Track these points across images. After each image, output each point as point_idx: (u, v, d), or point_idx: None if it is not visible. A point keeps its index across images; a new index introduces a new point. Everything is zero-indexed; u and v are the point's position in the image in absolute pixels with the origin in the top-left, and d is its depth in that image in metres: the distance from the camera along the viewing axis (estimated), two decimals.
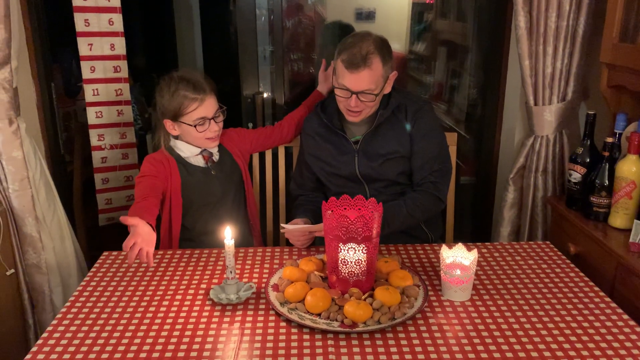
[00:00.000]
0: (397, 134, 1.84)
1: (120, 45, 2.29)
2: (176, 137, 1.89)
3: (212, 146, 1.90)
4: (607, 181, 1.82)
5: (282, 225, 1.76)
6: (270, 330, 1.32)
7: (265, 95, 2.69)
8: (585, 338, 1.28)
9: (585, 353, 1.23)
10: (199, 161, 1.90)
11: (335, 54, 1.76)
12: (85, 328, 1.33)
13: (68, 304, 1.44)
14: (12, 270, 1.99)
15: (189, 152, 1.89)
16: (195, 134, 1.82)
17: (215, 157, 1.93)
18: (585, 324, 1.34)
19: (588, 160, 1.93)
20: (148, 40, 4.78)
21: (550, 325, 1.33)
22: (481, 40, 2.70)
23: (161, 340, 1.29)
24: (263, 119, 2.66)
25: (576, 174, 1.95)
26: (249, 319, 1.37)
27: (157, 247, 1.80)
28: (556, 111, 2.16)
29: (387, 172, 1.85)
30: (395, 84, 1.86)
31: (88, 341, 1.28)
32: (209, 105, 1.81)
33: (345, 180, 1.89)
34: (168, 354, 1.24)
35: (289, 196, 2.13)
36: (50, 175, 2.15)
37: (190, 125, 1.80)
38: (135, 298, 1.47)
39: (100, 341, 1.28)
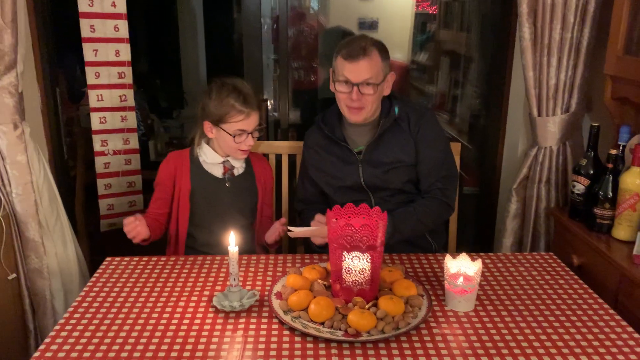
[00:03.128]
0: (401, 143, 1.84)
1: (125, 52, 2.30)
2: (207, 142, 1.91)
3: (240, 158, 1.91)
4: (610, 193, 1.82)
5: (289, 227, 1.76)
6: (274, 339, 1.32)
7: (269, 102, 2.70)
8: (590, 350, 1.28)
9: None
10: (218, 170, 1.91)
11: (333, 56, 1.78)
12: (87, 334, 1.33)
13: (71, 309, 1.44)
14: (14, 275, 1.99)
15: (211, 158, 1.90)
16: (231, 143, 1.83)
17: (238, 171, 1.94)
18: (590, 336, 1.33)
19: (592, 172, 1.93)
20: (152, 47, 4.80)
21: (554, 337, 1.33)
22: (485, 50, 2.71)
23: (164, 347, 1.28)
24: (267, 126, 2.67)
25: (580, 186, 1.95)
26: (252, 326, 1.37)
27: (163, 252, 1.81)
28: (560, 122, 2.16)
29: (393, 180, 1.85)
30: (396, 93, 1.86)
31: (91, 347, 1.28)
32: (252, 121, 1.83)
33: (350, 191, 1.88)
34: None
35: (292, 203, 2.14)
36: (53, 180, 2.15)
37: (229, 134, 1.81)
38: (138, 304, 1.47)
39: (103, 347, 1.28)
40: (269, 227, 1.95)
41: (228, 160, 1.91)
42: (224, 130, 1.82)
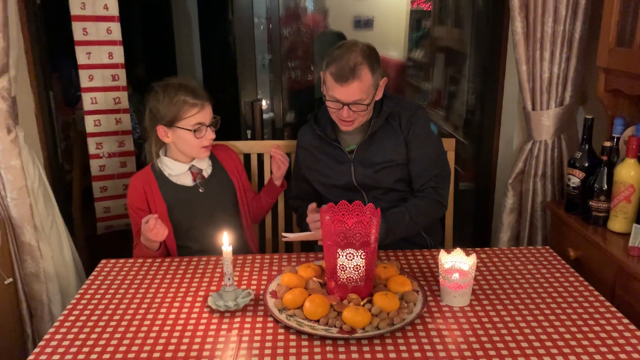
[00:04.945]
0: (393, 142, 1.83)
1: (118, 54, 2.30)
2: (165, 153, 1.87)
3: (204, 156, 1.87)
4: (605, 185, 1.81)
5: (283, 234, 1.76)
6: (269, 337, 1.31)
7: (263, 102, 2.69)
8: (585, 342, 1.27)
9: (585, 358, 1.22)
10: (187, 179, 1.86)
11: (323, 65, 1.75)
12: (82, 336, 1.33)
13: (65, 311, 1.44)
14: (11, 280, 1.98)
15: (176, 169, 1.85)
16: (192, 140, 1.79)
17: (207, 172, 1.89)
18: (586, 329, 1.33)
19: (587, 164, 1.92)
20: (147, 50, 4.80)
21: (550, 330, 1.32)
22: (479, 46, 2.71)
23: (159, 347, 1.28)
24: (262, 126, 2.66)
25: (575, 179, 1.95)
26: (247, 325, 1.36)
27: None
28: (554, 116, 2.16)
29: (384, 179, 1.84)
30: (387, 90, 1.85)
31: (85, 349, 1.28)
32: (207, 112, 1.81)
33: (343, 190, 1.87)
34: None
35: (287, 201, 2.14)
36: (48, 183, 2.14)
37: (188, 130, 1.77)
38: (133, 305, 1.46)
39: (98, 349, 1.28)
40: (259, 202, 2.02)
41: (194, 165, 1.87)
42: (182, 128, 1.78)
